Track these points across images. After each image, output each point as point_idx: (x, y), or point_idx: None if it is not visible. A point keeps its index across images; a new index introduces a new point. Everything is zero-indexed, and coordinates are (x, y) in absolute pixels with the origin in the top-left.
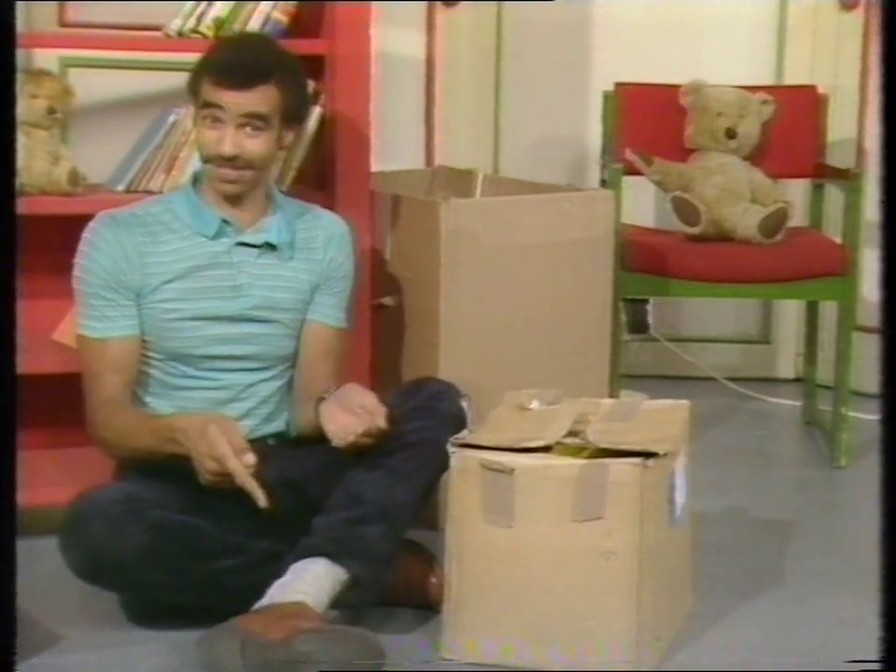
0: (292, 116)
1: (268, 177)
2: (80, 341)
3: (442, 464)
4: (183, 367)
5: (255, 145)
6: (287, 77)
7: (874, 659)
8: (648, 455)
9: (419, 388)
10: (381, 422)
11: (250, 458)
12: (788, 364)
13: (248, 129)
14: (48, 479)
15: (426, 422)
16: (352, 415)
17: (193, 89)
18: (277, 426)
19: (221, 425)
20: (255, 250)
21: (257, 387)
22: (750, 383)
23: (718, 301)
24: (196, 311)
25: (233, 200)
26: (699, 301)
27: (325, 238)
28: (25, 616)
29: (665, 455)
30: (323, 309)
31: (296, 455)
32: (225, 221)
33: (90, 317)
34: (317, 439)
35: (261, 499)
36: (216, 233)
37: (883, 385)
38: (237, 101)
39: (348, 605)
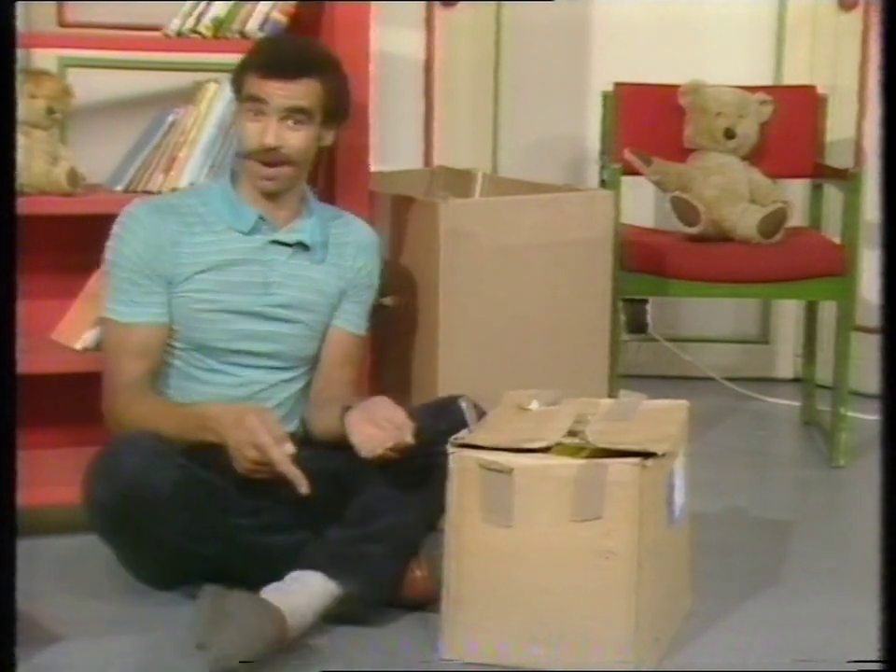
0: (333, 114)
1: (304, 178)
2: (105, 325)
3: None
4: (206, 359)
5: (296, 138)
6: (331, 74)
7: (873, 659)
8: (647, 454)
9: (447, 409)
10: (408, 438)
11: (289, 447)
12: (787, 364)
13: (290, 122)
14: (48, 479)
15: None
16: (379, 429)
17: (237, 85)
18: (291, 427)
19: (259, 414)
20: (287, 249)
21: (275, 388)
22: (749, 383)
23: (717, 301)
24: (225, 304)
25: (270, 197)
26: (698, 300)
27: (355, 246)
28: (25, 616)
29: (664, 455)
30: (347, 316)
31: (310, 454)
32: (261, 218)
33: (118, 301)
34: (331, 444)
35: (303, 486)
36: (251, 229)
37: (883, 385)
38: (281, 92)
39: (342, 619)
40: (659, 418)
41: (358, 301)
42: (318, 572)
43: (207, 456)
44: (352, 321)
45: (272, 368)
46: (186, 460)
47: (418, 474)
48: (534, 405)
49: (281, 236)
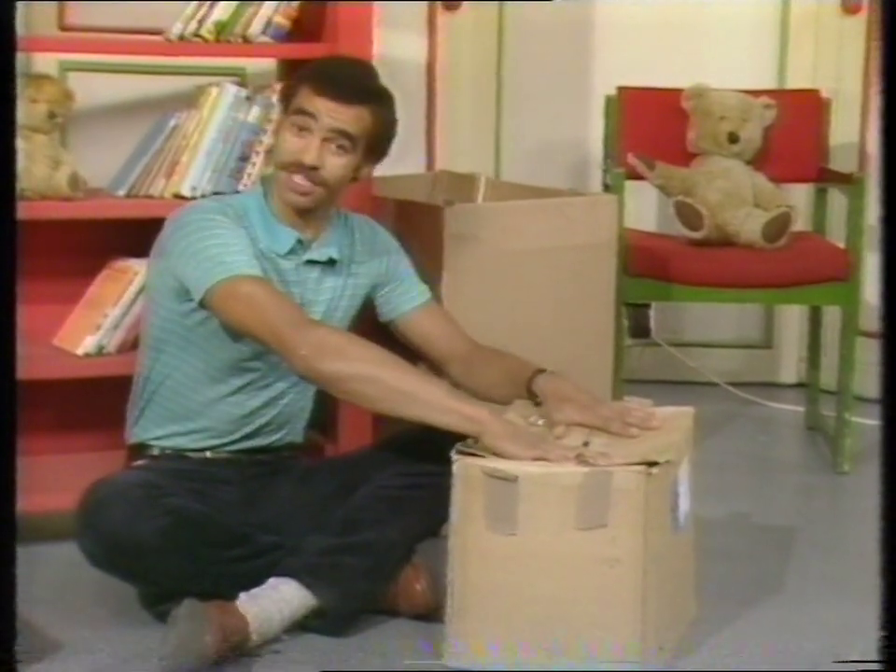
0: (376, 148)
1: (334, 202)
2: (226, 290)
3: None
4: (231, 377)
5: (335, 164)
6: (384, 108)
7: (874, 659)
8: (651, 462)
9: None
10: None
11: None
12: (790, 369)
13: (333, 146)
14: (49, 485)
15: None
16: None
17: (287, 94)
18: (293, 437)
19: (528, 431)
20: (318, 266)
21: (294, 394)
22: (752, 388)
23: (720, 306)
24: None
25: (302, 214)
26: (701, 305)
27: (362, 242)
28: (26, 622)
29: (669, 462)
30: (408, 295)
31: (311, 469)
32: (299, 241)
33: (236, 263)
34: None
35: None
36: (287, 252)
37: (883, 390)
38: (332, 113)
39: (316, 631)
40: (664, 425)
41: (403, 278)
42: (294, 580)
43: (193, 486)
44: (416, 295)
45: (296, 381)
46: (176, 495)
47: (409, 492)
48: (542, 422)
49: (314, 255)
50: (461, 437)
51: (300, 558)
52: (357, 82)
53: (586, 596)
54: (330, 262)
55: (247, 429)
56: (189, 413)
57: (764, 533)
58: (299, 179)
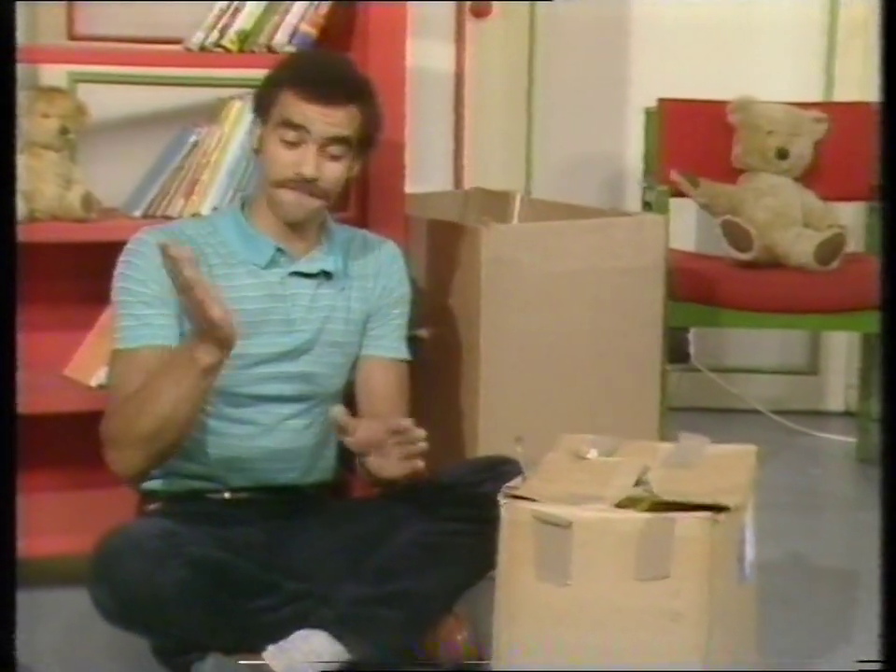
0: (366, 144)
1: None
2: (113, 357)
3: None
4: (227, 408)
5: (333, 170)
6: (370, 101)
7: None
8: (718, 508)
9: (493, 470)
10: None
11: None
12: (837, 396)
13: (329, 152)
14: (57, 525)
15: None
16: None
17: (265, 102)
18: (318, 475)
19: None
20: (310, 281)
21: (306, 431)
22: (797, 416)
23: (763, 329)
24: (246, 347)
25: (292, 227)
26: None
27: (376, 265)
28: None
29: (736, 508)
30: (381, 342)
31: (341, 510)
32: (279, 250)
33: (127, 329)
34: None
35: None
36: (268, 263)
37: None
38: (325, 120)
39: None
40: (726, 465)
41: (389, 322)
42: (325, 632)
43: (213, 532)
44: (388, 346)
45: (300, 411)
46: (196, 543)
47: (446, 538)
48: (592, 454)
49: (302, 267)
50: (505, 480)
51: (331, 609)
52: (342, 80)
53: (646, 653)
54: (325, 276)
55: (252, 464)
56: (187, 451)
57: (823, 576)
58: (300, 192)
